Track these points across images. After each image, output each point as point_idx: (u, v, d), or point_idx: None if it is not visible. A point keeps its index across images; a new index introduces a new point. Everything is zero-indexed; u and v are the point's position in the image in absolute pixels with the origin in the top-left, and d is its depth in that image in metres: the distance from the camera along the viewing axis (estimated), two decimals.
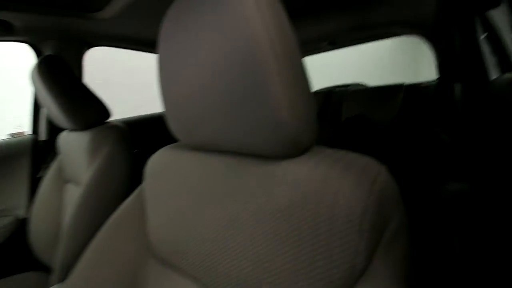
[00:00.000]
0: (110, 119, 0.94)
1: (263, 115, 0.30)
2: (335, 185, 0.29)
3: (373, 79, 2.75)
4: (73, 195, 0.91)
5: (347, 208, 0.28)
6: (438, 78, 1.34)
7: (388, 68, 4.32)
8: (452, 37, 1.07)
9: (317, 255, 0.28)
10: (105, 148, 0.83)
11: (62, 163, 1.01)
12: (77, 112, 0.85)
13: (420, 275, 0.32)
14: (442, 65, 1.28)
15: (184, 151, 0.46)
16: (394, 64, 4.31)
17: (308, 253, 0.29)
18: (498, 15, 0.85)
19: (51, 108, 0.87)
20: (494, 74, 0.94)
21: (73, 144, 0.91)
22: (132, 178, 0.87)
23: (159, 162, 0.48)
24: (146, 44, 1.35)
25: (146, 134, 1.47)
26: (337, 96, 1.97)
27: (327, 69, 4.09)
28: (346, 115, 1.82)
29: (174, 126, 0.43)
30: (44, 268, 0.94)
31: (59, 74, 0.84)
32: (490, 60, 0.95)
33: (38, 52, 1.16)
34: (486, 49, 0.96)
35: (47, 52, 1.14)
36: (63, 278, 0.76)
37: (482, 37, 0.96)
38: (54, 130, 1.15)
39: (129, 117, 1.54)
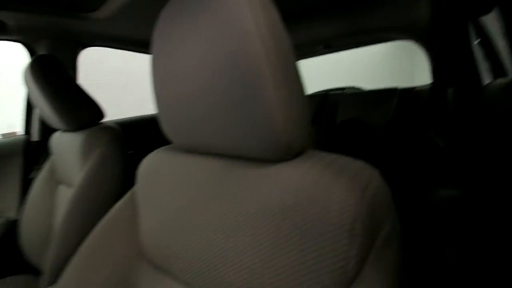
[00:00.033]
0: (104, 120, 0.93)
1: (256, 118, 0.30)
2: (327, 189, 0.29)
3: (369, 83, 2.78)
4: (65, 196, 0.90)
5: (338, 213, 0.27)
6: (432, 83, 1.35)
7: (384, 72, 4.36)
8: (446, 42, 1.09)
9: (308, 261, 0.28)
10: (98, 149, 0.82)
11: (54, 164, 1.00)
12: (70, 113, 0.84)
13: (411, 281, 0.32)
14: (436, 70, 1.29)
15: (177, 153, 0.45)
16: (390, 68, 4.35)
17: (299, 258, 0.29)
18: (490, 21, 0.87)
19: (43, 108, 0.86)
20: (487, 79, 0.95)
21: (66, 145, 0.90)
22: (126, 180, 0.86)
23: (152, 164, 0.48)
24: (141, 45, 1.35)
25: (142, 135, 1.46)
26: (333, 99, 1.98)
27: (326, 71, 4.12)
28: (341, 118, 1.83)
29: (167, 128, 0.42)
30: (34, 271, 0.93)
31: (52, 74, 0.83)
32: (483, 66, 0.96)
33: (31, 52, 1.15)
34: (479, 54, 0.97)
35: (41, 51, 1.13)
36: (52, 281, 0.75)
37: (476, 42, 0.98)
38: (47, 130, 1.14)
39: (124, 118, 1.53)
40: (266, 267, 0.31)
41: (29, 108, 1.21)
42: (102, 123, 0.91)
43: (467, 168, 0.81)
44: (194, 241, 0.39)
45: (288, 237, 0.30)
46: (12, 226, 1.04)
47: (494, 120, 0.70)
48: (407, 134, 1.48)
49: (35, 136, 1.20)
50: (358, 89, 2.53)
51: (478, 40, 0.95)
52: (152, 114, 1.59)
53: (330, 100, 2.00)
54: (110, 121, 1.01)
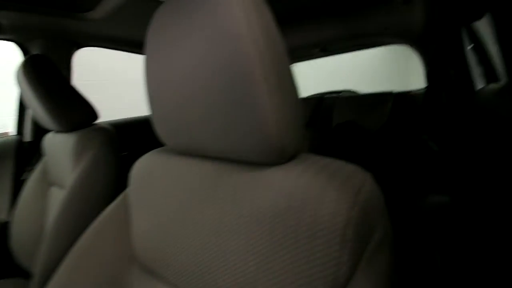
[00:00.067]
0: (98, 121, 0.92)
1: (249, 122, 0.30)
2: (320, 193, 0.29)
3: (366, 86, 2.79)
4: (58, 198, 0.88)
5: (331, 217, 0.27)
6: (426, 87, 1.37)
7: (380, 75, 4.40)
8: (439, 47, 1.10)
9: (300, 266, 0.28)
10: (91, 150, 0.81)
11: (47, 165, 0.98)
12: (62, 113, 0.83)
13: (403, 287, 0.32)
14: (430, 74, 1.31)
15: (171, 155, 0.45)
16: (386, 72, 4.39)
17: (292, 263, 0.28)
18: (483, 27, 0.88)
19: (36, 108, 0.85)
20: (480, 84, 0.96)
21: (59, 146, 0.89)
22: (119, 182, 0.85)
23: (145, 166, 0.47)
24: (136, 46, 1.34)
25: (136, 136, 1.45)
26: (328, 102, 1.99)
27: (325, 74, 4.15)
28: (336, 121, 1.84)
29: (160, 130, 0.42)
30: (24, 274, 0.91)
31: (45, 74, 0.82)
32: (476, 71, 0.97)
33: (25, 51, 1.14)
34: (472, 59, 0.99)
35: (35, 51, 1.12)
36: (42, 284, 0.73)
37: (469, 48, 0.99)
38: (40, 131, 1.13)
39: (118, 119, 1.52)
40: (260, 271, 0.31)
41: (22, 108, 1.19)
42: (95, 124, 0.90)
43: (459, 172, 0.82)
44: (187, 244, 0.38)
45: (281, 241, 0.30)
46: (3, 228, 1.02)
47: (486, 125, 0.71)
48: (401, 137, 1.49)
49: (27, 136, 1.18)
50: (354, 92, 2.54)
51: (471, 45, 0.97)
52: (147, 115, 1.58)
53: (325, 103, 2.01)
54: (104, 122, 1.00)
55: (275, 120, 0.29)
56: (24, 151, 1.16)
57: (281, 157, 0.32)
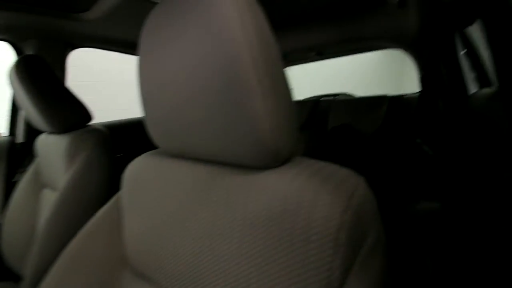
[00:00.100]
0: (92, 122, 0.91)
1: (243, 125, 0.30)
2: (313, 197, 0.28)
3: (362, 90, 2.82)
4: (50, 200, 0.87)
5: (323, 222, 0.27)
6: (420, 91, 1.38)
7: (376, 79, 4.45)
8: (433, 52, 1.11)
9: (295, 270, 0.28)
10: (84, 152, 0.80)
11: (39, 167, 0.97)
12: (55, 115, 0.82)
13: None
14: (424, 79, 1.32)
15: (164, 158, 0.45)
16: (382, 75, 4.44)
17: (286, 267, 0.28)
18: (475, 32, 0.89)
19: (29, 109, 0.84)
20: (472, 88, 0.97)
21: (51, 147, 0.87)
22: (113, 184, 0.84)
23: (138, 169, 0.47)
24: (131, 47, 1.33)
25: (131, 138, 1.44)
26: (325, 105, 2.00)
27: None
28: (332, 124, 1.85)
29: (153, 132, 0.42)
30: (15, 278, 0.89)
31: (38, 75, 0.81)
32: (469, 75, 0.98)
33: (18, 51, 1.13)
34: (465, 64, 1.00)
35: (28, 51, 1.11)
36: (33, 287, 0.72)
37: (462, 53, 1.00)
38: (32, 132, 1.11)
39: (113, 121, 1.51)
40: (253, 275, 0.30)
41: (14, 109, 1.18)
42: (89, 125, 0.89)
43: (451, 177, 0.82)
44: (180, 248, 0.38)
45: (275, 245, 0.29)
46: None
47: (478, 129, 0.72)
48: (395, 141, 1.50)
49: (20, 137, 1.17)
50: (349, 95, 2.56)
51: (465, 50, 0.98)
52: (142, 117, 1.57)
53: (321, 106, 2.02)
54: (98, 123, 0.99)
55: (268, 123, 0.29)
56: (17, 152, 1.15)
57: (275, 161, 0.32)
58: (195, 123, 0.34)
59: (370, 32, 1.34)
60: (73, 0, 0.87)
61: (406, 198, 1.07)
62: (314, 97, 2.41)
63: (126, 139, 1.42)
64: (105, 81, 3.60)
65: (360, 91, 2.64)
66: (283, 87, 0.32)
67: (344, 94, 2.60)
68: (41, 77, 0.82)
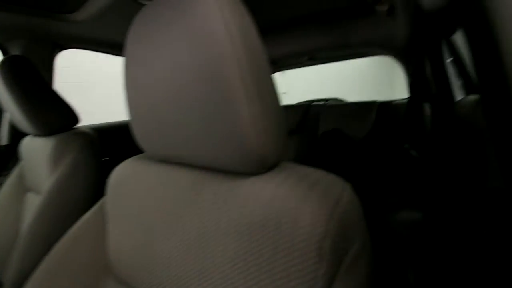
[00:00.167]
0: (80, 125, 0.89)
1: (227, 130, 0.29)
2: (298, 204, 0.28)
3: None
4: (34, 204, 0.85)
5: (308, 229, 0.27)
6: (408, 97, 1.40)
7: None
8: (421, 59, 1.13)
9: (277, 280, 0.27)
10: (70, 155, 0.78)
11: (23, 170, 0.95)
12: (40, 117, 0.80)
13: None
14: (412, 85, 1.34)
15: (150, 163, 0.44)
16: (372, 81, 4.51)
17: (269, 277, 0.28)
18: (461, 41, 0.91)
19: (13, 111, 0.82)
20: (459, 95, 0.99)
21: (36, 150, 0.85)
22: (100, 188, 0.82)
23: (123, 174, 0.46)
24: (119, 48, 1.32)
25: (121, 141, 1.42)
26: (315, 110, 2.01)
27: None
28: (323, 129, 1.86)
29: (138, 136, 0.41)
30: None
31: (24, 76, 0.79)
32: (455, 83, 1.00)
33: (4, 51, 1.10)
34: (452, 72, 1.02)
35: (15, 52, 1.09)
36: None
37: (448, 60, 1.02)
38: (17, 134, 1.09)
39: (102, 123, 1.48)
40: (239, 284, 0.30)
41: None
42: (76, 128, 0.87)
43: (436, 183, 0.83)
44: (163, 256, 0.37)
45: (260, 253, 0.29)
46: None
47: (464, 135, 0.73)
48: (384, 146, 1.52)
49: (4, 140, 1.14)
50: (340, 100, 2.58)
51: (451, 58, 1.00)
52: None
53: (312, 110, 2.03)
54: (85, 126, 0.97)
55: (254, 128, 0.29)
56: (0, 155, 1.12)
57: (261, 167, 0.32)
58: (178, 126, 0.33)
59: (360, 39, 1.36)
60: (61, 1, 0.85)
61: (388, 207, 1.07)
62: (305, 101, 2.42)
63: (115, 142, 1.40)
64: (95, 83, 3.55)
65: (351, 97, 2.67)
66: (270, 91, 0.31)
67: (335, 99, 2.62)
68: (27, 78, 0.80)
